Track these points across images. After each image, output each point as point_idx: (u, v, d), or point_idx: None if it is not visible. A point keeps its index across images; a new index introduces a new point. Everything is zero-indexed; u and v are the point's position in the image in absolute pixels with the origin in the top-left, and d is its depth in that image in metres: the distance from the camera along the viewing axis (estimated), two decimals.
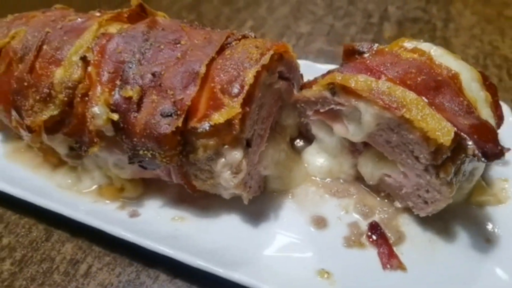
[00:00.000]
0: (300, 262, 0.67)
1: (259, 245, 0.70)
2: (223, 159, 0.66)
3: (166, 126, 0.62)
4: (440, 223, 0.70)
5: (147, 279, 0.72)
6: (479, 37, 1.30)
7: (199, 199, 0.78)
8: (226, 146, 0.65)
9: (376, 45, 0.74)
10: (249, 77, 0.63)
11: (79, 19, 0.84)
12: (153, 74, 0.67)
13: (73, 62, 0.74)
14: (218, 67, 0.66)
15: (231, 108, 0.61)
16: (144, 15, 0.81)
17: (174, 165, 0.67)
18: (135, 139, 0.66)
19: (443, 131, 0.54)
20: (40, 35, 0.82)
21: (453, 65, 0.65)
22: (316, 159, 0.82)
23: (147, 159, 0.67)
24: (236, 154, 0.65)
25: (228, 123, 0.62)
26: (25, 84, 0.80)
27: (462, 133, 0.55)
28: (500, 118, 0.72)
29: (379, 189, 0.75)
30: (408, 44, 0.70)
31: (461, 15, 1.44)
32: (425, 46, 0.69)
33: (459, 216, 0.70)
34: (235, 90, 0.62)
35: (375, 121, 0.62)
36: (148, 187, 0.82)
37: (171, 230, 0.73)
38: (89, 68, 0.72)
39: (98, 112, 0.66)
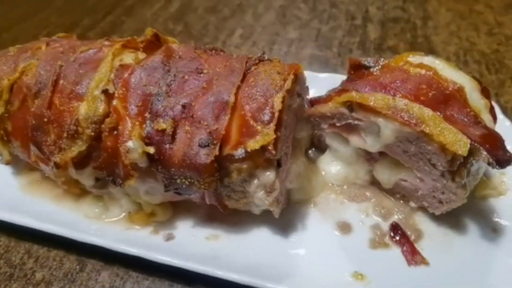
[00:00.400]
0: (334, 267, 0.73)
1: (293, 255, 0.76)
2: (257, 180, 0.71)
3: (205, 156, 0.66)
4: (451, 218, 0.78)
5: None
6: (456, 34, 1.40)
7: (229, 216, 0.82)
8: (259, 168, 0.70)
9: (382, 59, 0.80)
10: (278, 103, 0.68)
11: (91, 51, 0.85)
12: (184, 106, 0.70)
13: (96, 97, 0.76)
14: (246, 95, 0.70)
15: (266, 135, 0.65)
16: (158, 43, 0.83)
17: (211, 190, 0.71)
18: (172, 169, 0.69)
19: (460, 143, 0.62)
20: (54, 69, 0.83)
21: (455, 77, 0.73)
22: (331, 167, 0.88)
23: (184, 186, 0.71)
24: (270, 175, 0.69)
25: (262, 148, 0.66)
26: (45, 120, 0.80)
27: (476, 144, 0.62)
28: (494, 118, 0.80)
29: (394, 191, 0.82)
30: (413, 58, 0.77)
31: (437, 12, 1.53)
32: (428, 60, 0.76)
33: (467, 210, 0.78)
34: (266, 117, 0.67)
35: (394, 135, 0.69)
36: (177, 209, 0.85)
37: (207, 250, 0.77)
38: (114, 102, 0.74)
39: (132, 146, 0.69)
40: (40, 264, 0.85)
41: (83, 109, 0.75)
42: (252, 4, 1.71)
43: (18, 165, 1.00)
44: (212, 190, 0.71)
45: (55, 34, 1.68)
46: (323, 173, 0.88)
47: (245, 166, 0.69)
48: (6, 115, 0.88)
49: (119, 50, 0.84)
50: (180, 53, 0.80)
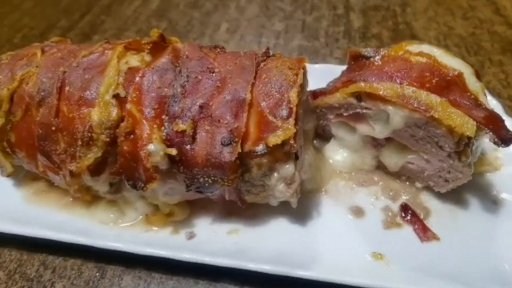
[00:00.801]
0: (353, 250, 0.77)
1: (313, 242, 0.79)
2: (277, 174, 0.73)
3: (229, 154, 0.68)
4: (454, 194, 0.84)
5: None
6: (434, 19, 1.47)
7: (246, 210, 0.84)
8: (278, 162, 0.72)
9: (382, 49, 0.84)
10: (294, 98, 0.70)
11: (93, 54, 0.83)
12: (201, 106, 0.71)
13: (107, 102, 0.75)
14: (261, 91, 0.72)
15: (286, 129, 0.67)
16: (163, 44, 0.83)
17: (233, 186, 0.72)
18: (196, 169, 0.70)
19: (467, 125, 0.67)
20: (57, 76, 0.81)
21: (453, 64, 0.78)
22: (337, 155, 0.91)
23: (207, 184, 0.72)
24: (289, 168, 0.72)
25: (283, 142, 0.68)
26: (53, 128, 0.79)
27: (480, 125, 0.68)
28: None
29: (400, 174, 0.87)
30: (411, 47, 0.81)
31: None
32: (426, 48, 0.81)
33: (467, 186, 0.84)
34: (285, 113, 0.69)
35: (403, 121, 0.73)
36: (193, 207, 0.86)
37: (230, 244, 0.79)
38: (128, 106, 0.74)
39: (154, 149, 0.69)
40: (58, 275, 0.84)
41: (95, 115, 0.74)
42: None
43: (19, 176, 0.97)
44: (234, 186, 0.73)
45: (30, 36, 1.63)
46: (330, 161, 0.91)
47: (265, 160, 0.72)
48: (8, 126, 0.85)
49: (122, 52, 0.83)
50: (187, 52, 0.80)
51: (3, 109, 0.85)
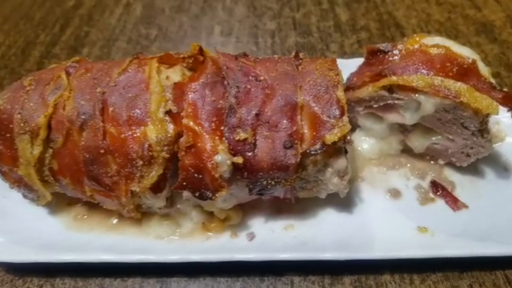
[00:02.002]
0: (399, 227, 0.86)
1: (362, 226, 0.86)
2: (330, 168, 0.79)
3: (293, 157, 0.73)
4: (471, 167, 0.95)
5: (285, 286, 0.83)
6: (413, 7, 1.59)
7: (294, 206, 0.90)
8: (332, 158, 0.78)
9: (400, 45, 0.92)
10: (342, 97, 0.76)
11: (129, 72, 0.84)
12: (257, 114, 0.75)
13: (161, 119, 0.77)
14: (309, 94, 0.77)
15: (343, 127, 0.74)
16: (201, 57, 0.85)
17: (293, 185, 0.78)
18: (260, 173, 0.75)
19: (492, 106, 0.77)
20: (96, 98, 0.81)
21: (465, 52, 0.88)
22: (365, 143, 1.00)
23: (269, 186, 0.77)
24: (342, 162, 0.78)
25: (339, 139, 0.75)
26: (101, 151, 0.79)
27: (501, 105, 0.78)
28: None
29: (424, 154, 0.97)
30: (426, 40, 0.90)
31: None
32: (440, 40, 0.90)
33: (481, 158, 0.95)
34: (337, 112, 0.75)
35: (434, 108, 0.82)
36: (244, 209, 0.90)
37: (291, 239, 0.84)
38: (185, 121, 0.76)
39: (221, 160, 0.72)
40: None
41: (153, 133, 0.76)
42: None
43: (52, 204, 0.95)
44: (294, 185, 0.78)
45: (10, 55, 1.54)
46: (359, 149, 0.99)
47: (319, 158, 0.78)
48: (48, 154, 0.83)
49: (158, 67, 0.84)
50: (226, 63, 0.83)
51: (40, 137, 0.83)
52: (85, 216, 0.93)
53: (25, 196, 0.96)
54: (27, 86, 0.88)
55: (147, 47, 1.48)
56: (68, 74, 0.89)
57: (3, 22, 1.71)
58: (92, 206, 0.94)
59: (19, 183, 0.89)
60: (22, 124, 0.84)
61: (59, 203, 0.96)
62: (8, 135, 0.85)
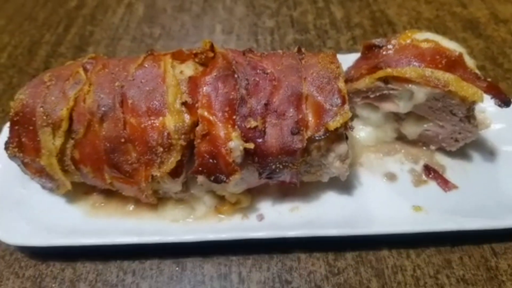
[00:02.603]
0: (396, 207, 0.93)
1: (362, 206, 0.94)
2: (333, 153, 0.87)
3: (300, 142, 0.80)
4: (460, 151, 1.03)
5: (292, 262, 0.91)
6: (403, 5, 1.68)
7: (298, 189, 0.97)
8: (334, 143, 0.86)
9: (394, 40, 1.00)
10: (343, 87, 0.84)
11: (146, 67, 0.90)
12: (266, 104, 0.82)
13: (178, 110, 0.83)
14: (313, 84, 0.85)
15: (344, 114, 0.81)
16: (212, 53, 0.91)
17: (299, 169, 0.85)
18: (269, 158, 0.82)
19: (477, 94, 0.85)
20: (115, 91, 0.87)
21: (452, 46, 0.96)
22: (362, 131, 1.07)
23: (277, 170, 0.84)
24: (343, 147, 0.86)
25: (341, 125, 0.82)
26: (122, 140, 0.86)
27: (486, 93, 0.87)
28: None
29: (417, 140, 1.05)
30: (417, 36, 0.98)
31: None
32: (429, 35, 0.98)
33: (469, 143, 1.03)
34: (339, 101, 0.83)
35: (425, 97, 0.90)
36: (253, 193, 0.97)
37: (297, 218, 0.92)
38: (200, 111, 0.83)
39: (235, 146, 0.79)
40: (140, 276, 0.91)
41: (171, 123, 0.82)
42: None
43: (69, 194, 1.01)
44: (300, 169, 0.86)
45: (17, 55, 1.59)
46: (357, 137, 1.07)
47: (323, 143, 0.85)
48: (69, 145, 0.89)
49: (172, 63, 0.91)
50: (235, 58, 0.90)
51: (62, 129, 0.89)
52: (103, 204, 0.99)
53: (43, 187, 1.02)
54: (47, 81, 0.93)
55: (152, 45, 1.54)
56: (85, 70, 0.95)
57: (7, 23, 1.75)
58: (109, 194, 1.00)
59: (40, 173, 0.95)
60: (44, 117, 0.90)
61: (76, 192, 1.02)
62: (31, 127, 0.91)
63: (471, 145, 1.04)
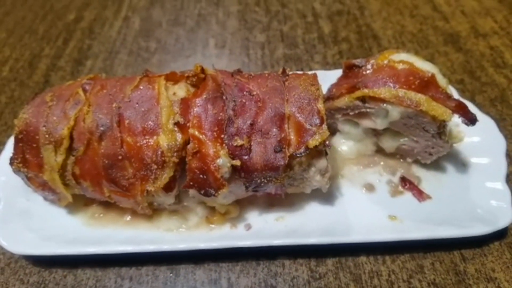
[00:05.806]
0: (373, 216, 1.01)
1: (342, 215, 1.01)
2: (314, 168, 0.94)
3: (282, 159, 0.88)
4: (434, 164, 1.11)
5: (277, 268, 0.98)
6: (388, 19, 1.75)
7: (284, 200, 1.04)
8: (314, 158, 0.93)
9: (372, 60, 1.08)
10: (322, 108, 0.91)
11: (141, 89, 0.97)
12: (251, 124, 0.90)
13: (171, 129, 0.91)
14: (294, 106, 0.92)
15: (323, 133, 0.89)
16: (203, 74, 0.99)
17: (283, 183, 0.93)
18: (255, 173, 0.89)
19: (446, 113, 0.93)
20: (112, 112, 0.95)
21: (425, 67, 1.03)
22: (344, 145, 1.15)
23: (262, 184, 0.92)
24: (323, 162, 0.93)
25: (319, 143, 0.90)
26: (119, 158, 0.93)
27: (454, 112, 0.94)
28: None
29: (394, 153, 1.13)
30: (394, 56, 1.06)
31: (368, 1, 1.87)
32: (404, 56, 1.06)
33: (443, 156, 1.11)
34: (318, 121, 0.90)
35: (399, 115, 0.98)
36: (241, 204, 1.05)
37: (282, 227, 0.99)
38: (191, 131, 0.90)
39: (222, 163, 0.87)
40: (137, 281, 0.98)
41: (164, 142, 0.89)
42: (211, 13, 1.86)
43: (70, 205, 1.08)
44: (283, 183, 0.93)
45: (19, 68, 1.66)
46: (339, 150, 1.15)
47: (304, 159, 0.92)
48: (70, 161, 0.96)
49: (166, 84, 0.98)
50: (224, 80, 0.97)
51: (64, 147, 0.96)
52: (101, 215, 1.07)
53: (46, 198, 1.09)
54: (49, 101, 1.01)
55: (148, 59, 1.61)
56: (84, 90, 1.02)
57: (8, 36, 1.82)
58: (107, 206, 1.08)
59: (43, 186, 1.03)
60: (47, 136, 0.97)
61: (76, 204, 1.09)
62: (34, 145, 0.98)
63: (446, 158, 1.12)
